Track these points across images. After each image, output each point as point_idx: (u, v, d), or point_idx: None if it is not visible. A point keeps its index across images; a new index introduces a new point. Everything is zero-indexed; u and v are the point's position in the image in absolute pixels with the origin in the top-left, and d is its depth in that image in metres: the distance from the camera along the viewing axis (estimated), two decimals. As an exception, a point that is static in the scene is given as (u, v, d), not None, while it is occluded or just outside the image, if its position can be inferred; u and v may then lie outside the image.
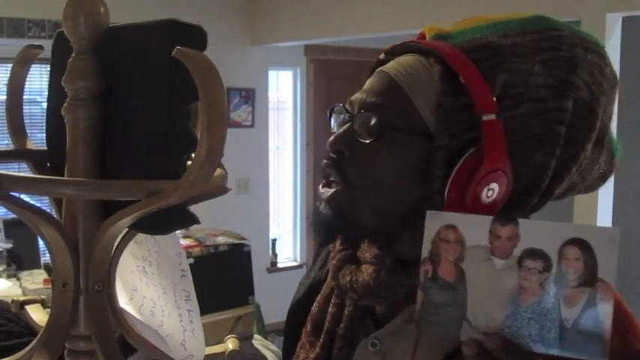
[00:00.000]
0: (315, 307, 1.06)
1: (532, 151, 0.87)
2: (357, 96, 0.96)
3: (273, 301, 5.42)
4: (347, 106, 0.97)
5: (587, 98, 0.89)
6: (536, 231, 0.70)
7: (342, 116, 0.97)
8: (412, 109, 0.90)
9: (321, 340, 1.02)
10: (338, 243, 1.03)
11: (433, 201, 0.87)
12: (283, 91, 6.54)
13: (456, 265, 0.72)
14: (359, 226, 0.94)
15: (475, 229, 0.72)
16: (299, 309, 1.12)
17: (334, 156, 0.94)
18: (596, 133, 0.91)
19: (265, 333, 5.12)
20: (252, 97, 6.01)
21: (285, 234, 6.69)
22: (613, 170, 1.00)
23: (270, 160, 6.36)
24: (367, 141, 0.91)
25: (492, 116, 0.85)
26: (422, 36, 0.99)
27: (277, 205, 6.59)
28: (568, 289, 0.69)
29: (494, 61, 0.88)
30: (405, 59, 0.94)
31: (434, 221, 0.73)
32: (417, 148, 0.90)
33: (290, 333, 1.12)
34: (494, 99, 0.86)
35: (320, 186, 0.97)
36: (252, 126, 6.03)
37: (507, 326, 0.71)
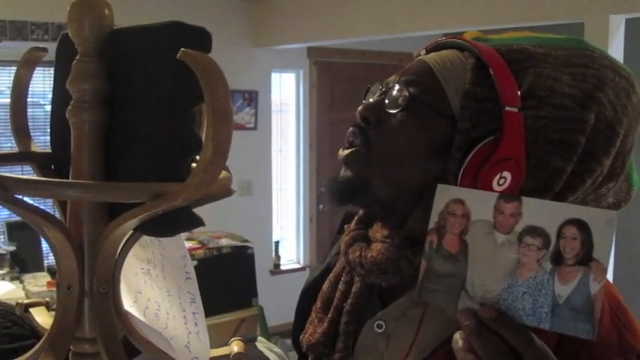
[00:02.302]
0: (326, 285, 1.11)
1: (550, 155, 0.90)
2: (392, 77, 1.02)
3: (277, 303, 5.43)
4: (382, 84, 1.02)
5: (610, 116, 0.92)
6: (538, 209, 0.73)
7: (375, 93, 1.02)
8: (442, 93, 0.95)
9: (329, 316, 1.06)
10: (353, 222, 1.07)
11: (447, 181, 0.89)
12: (286, 93, 6.54)
13: (460, 238, 0.75)
14: (374, 197, 0.97)
15: (481, 204, 0.74)
16: (311, 291, 1.15)
17: (361, 122, 0.99)
18: (615, 151, 0.93)
19: (269, 335, 5.13)
20: (255, 99, 6.01)
21: (288, 236, 6.68)
22: (628, 201, 1.02)
23: (273, 163, 6.36)
24: (394, 111, 0.96)
25: (515, 109, 0.89)
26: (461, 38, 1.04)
27: (280, 207, 6.59)
28: (564, 266, 0.71)
29: (525, 64, 0.92)
30: (443, 52, 1.00)
31: (443, 195, 0.76)
32: (439, 127, 0.94)
33: (301, 314, 1.15)
34: (519, 95, 0.90)
35: (340, 150, 1.01)
36: (255, 128, 6.04)
37: (503, 298, 0.73)
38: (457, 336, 0.74)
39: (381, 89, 1.01)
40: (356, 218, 1.08)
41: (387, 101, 0.97)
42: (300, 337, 1.10)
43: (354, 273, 1.04)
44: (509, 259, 0.73)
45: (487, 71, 0.92)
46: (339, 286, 1.07)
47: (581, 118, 0.90)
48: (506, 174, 0.87)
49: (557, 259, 0.72)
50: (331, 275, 1.11)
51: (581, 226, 0.71)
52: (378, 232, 1.02)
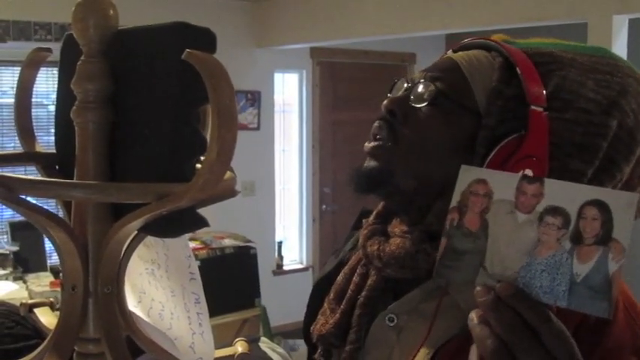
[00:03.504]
0: (340, 277, 1.12)
1: (572, 157, 0.92)
2: (418, 73, 1.04)
3: (279, 303, 5.44)
4: (409, 79, 1.04)
5: (632, 124, 0.94)
6: (559, 191, 0.73)
7: (402, 88, 1.03)
8: (468, 90, 0.97)
9: (342, 307, 1.07)
10: (371, 217, 1.09)
11: None
12: (289, 93, 6.54)
13: (481, 216, 0.76)
14: (396, 188, 0.99)
15: (504, 184, 0.75)
16: (324, 284, 1.16)
17: (387, 116, 1.00)
18: (635, 159, 0.95)
19: (271, 335, 5.13)
20: (258, 99, 6.02)
21: (291, 236, 6.69)
22: None
23: (276, 163, 6.36)
24: (420, 105, 0.98)
25: (540, 108, 0.91)
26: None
27: (283, 207, 6.59)
28: (583, 246, 0.72)
29: (552, 67, 0.94)
30: (471, 52, 1.02)
31: (467, 175, 0.77)
32: (464, 123, 0.96)
33: (313, 306, 1.16)
34: (545, 96, 0.92)
35: (366, 143, 1.02)
36: (257, 128, 6.04)
37: (521, 276, 0.74)
38: (473, 314, 0.75)
39: (406, 85, 1.02)
40: (374, 213, 1.10)
41: (412, 96, 0.99)
42: (311, 328, 1.11)
43: (370, 266, 1.05)
44: (528, 237, 0.74)
45: (514, 71, 0.93)
46: (354, 278, 1.08)
47: (604, 123, 0.92)
48: (528, 171, 0.89)
49: (577, 238, 0.72)
50: (346, 268, 1.12)
51: (602, 207, 0.71)
52: (396, 227, 1.03)
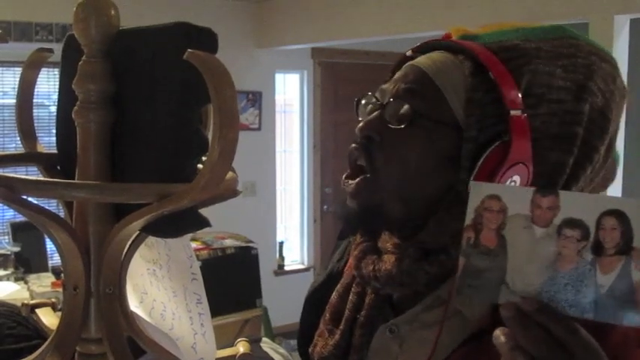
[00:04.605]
0: (334, 297, 1.09)
1: (550, 150, 0.91)
2: (387, 85, 0.99)
3: (281, 304, 5.43)
4: (376, 94, 0.99)
5: (601, 104, 0.93)
6: (575, 202, 0.73)
7: (369, 105, 1.00)
8: (443, 101, 0.93)
9: (340, 328, 1.04)
10: (359, 235, 1.05)
11: (458, 190, 0.90)
12: (290, 93, 6.55)
13: (498, 233, 0.75)
14: (386, 216, 0.96)
15: (517, 199, 0.74)
16: (314, 299, 1.15)
17: (364, 141, 0.96)
18: (609, 137, 0.94)
19: (273, 336, 5.13)
20: (259, 100, 6.02)
21: (292, 237, 6.69)
22: (614, 176, 1.03)
23: (277, 163, 6.36)
24: (398, 127, 0.93)
25: (519, 112, 0.89)
26: (448, 36, 1.02)
27: (284, 207, 6.59)
28: (604, 257, 0.71)
29: (520, 62, 0.92)
30: (434, 55, 0.97)
31: (478, 191, 0.75)
32: (445, 138, 0.93)
33: (306, 323, 1.15)
34: (520, 97, 0.90)
35: (344, 177, 0.98)
36: (259, 129, 6.04)
37: (545, 291, 0.73)
38: (498, 332, 0.73)
39: (375, 101, 0.98)
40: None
41: (388, 117, 0.94)
42: (310, 350, 1.08)
43: (368, 287, 1.02)
44: (548, 251, 0.73)
45: (485, 74, 0.91)
46: (350, 297, 1.05)
47: (577, 109, 0.91)
48: (516, 177, 0.88)
49: (598, 249, 0.71)
50: (339, 287, 1.09)
51: (620, 216, 0.70)
52: (387, 242, 1.00)
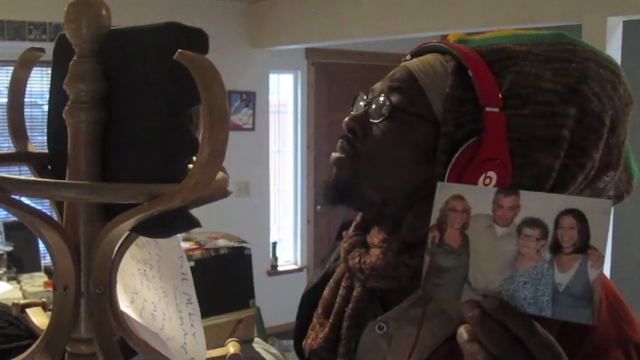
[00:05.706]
0: (326, 291, 1.12)
1: (536, 152, 0.91)
2: (377, 84, 1.03)
3: (274, 304, 5.43)
4: (368, 93, 1.04)
5: (597, 109, 0.93)
6: (535, 201, 0.74)
7: (361, 103, 1.04)
8: (424, 99, 0.96)
9: (330, 321, 1.07)
10: (351, 229, 1.09)
11: (434, 184, 0.90)
12: (284, 94, 6.54)
13: (461, 232, 0.76)
14: (363, 198, 0.99)
15: (480, 199, 0.76)
16: (311, 297, 1.16)
17: (348, 134, 1.01)
18: (604, 143, 0.94)
19: (266, 336, 5.13)
20: (252, 100, 6.01)
21: (285, 237, 6.68)
22: (630, 191, 1.04)
23: (271, 163, 6.36)
24: (378, 120, 0.98)
25: (496, 109, 0.90)
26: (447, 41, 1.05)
27: (278, 208, 6.59)
28: (562, 255, 0.73)
29: (506, 63, 0.94)
30: (425, 57, 1.01)
31: (444, 191, 0.77)
32: (423, 133, 0.96)
33: (301, 320, 1.17)
34: (500, 96, 0.91)
35: (332, 154, 1.03)
36: (252, 129, 6.04)
37: (504, 289, 0.75)
38: (462, 329, 0.75)
39: (366, 99, 1.02)
40: (354, 224, 1.10)
41: (371, 111, 0.99)
42: (303, 343, 1.11)
43: (354, 279, 1.05)
44: (509, 250, 0.74)
45: (467, 73, 0.93)
46: (340, 291, 1.09)
47: (564, 112, 0.91)
48: (492, 174, 0.89)
49: (556, 248, 0.73)
50: (331, 281, 1.12)
51: (578, 215, 0.72)
52: (375, 237, 1.04)
